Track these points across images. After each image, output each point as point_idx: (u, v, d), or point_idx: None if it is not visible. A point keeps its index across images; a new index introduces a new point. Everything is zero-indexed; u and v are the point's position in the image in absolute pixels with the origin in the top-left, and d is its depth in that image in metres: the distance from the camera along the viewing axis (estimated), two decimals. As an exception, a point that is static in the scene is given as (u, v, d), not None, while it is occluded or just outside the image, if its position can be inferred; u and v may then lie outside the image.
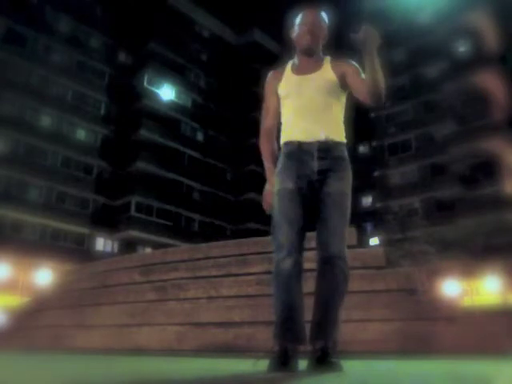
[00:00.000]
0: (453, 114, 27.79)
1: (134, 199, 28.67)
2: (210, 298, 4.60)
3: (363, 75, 2.22)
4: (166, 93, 32.27)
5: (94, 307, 5.55)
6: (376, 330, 3.82)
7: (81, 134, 28.79)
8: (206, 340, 4.19)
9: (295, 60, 2.36)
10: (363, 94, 2.21)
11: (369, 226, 33.13)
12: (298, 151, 2.19)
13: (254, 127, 37.94)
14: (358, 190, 36.91)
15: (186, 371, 2.20)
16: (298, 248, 2.15)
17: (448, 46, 28.50)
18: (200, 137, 34.20)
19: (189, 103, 34.02)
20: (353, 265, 4.45)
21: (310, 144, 2.18)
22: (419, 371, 2.24)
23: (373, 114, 32.66)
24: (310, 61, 2.30)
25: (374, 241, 30.96)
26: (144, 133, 30.26)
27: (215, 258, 5.16)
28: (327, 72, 2.26)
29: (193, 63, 34.80)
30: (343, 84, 2.27)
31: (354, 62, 2.31)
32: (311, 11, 2.33)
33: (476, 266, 21.31)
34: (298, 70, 2.30)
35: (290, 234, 2.13)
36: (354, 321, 3.93)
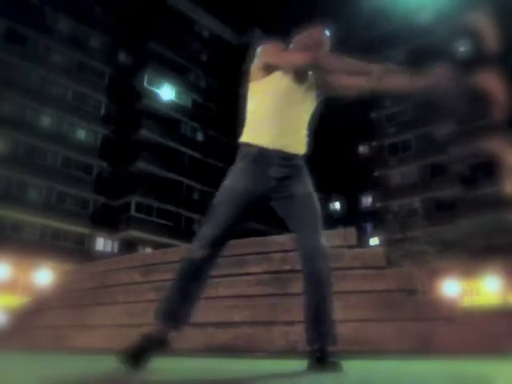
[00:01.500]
0: (453, 114, 27.78)
1: (134, 199, 28.66)
2: (209, 298, 4.60)
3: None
4: (166, 93, 32.27)
5: (93, 307, 5.54)
6: (376, 330, 3.82)
7: (81, 134, 28.78)
8: (206, 340, 4.18)
9: None
10: (362, 77, 2.19)
11: (369, 226, 33.14)
12: (258, 156, 2.13)
13: (254, 127, 37.87)
14: (358, 190, 36.96)
15: (186, 371, 2.20)
16: (216, 247, 2.13)
17: (448, 45, 28.49)
18: (200, 137, 34.20)
19: (189, 103, 34.02)
20: (353, 265, 4.48)
21: (272, 152, 2.13)
22: (419, 371, 2.24)
23: (373, 114, 32.68)
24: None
25: (374, 241, 30.96)
26: (144, 133, 30.26)
27: (215, 257, 5.14)
28: (312, 82, 2.26)
29: (193, 63, 34.79)
30: (322, 89, 2.27)
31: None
32: (317, 27, 2.30)
33: (476, 266, 21.31)
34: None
35: (214, 231, 2.12)
36: (353, 321, 3.93)
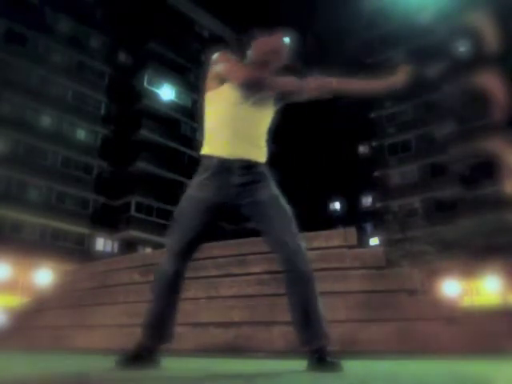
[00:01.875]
0: (453, 114, 27.79)
1: (134, 199, 28.67)
2: (209, 298, 4.60)
3: (303, 79, 2.25)
4: (166, 93, 32.28)
5: (93, 307, 5.54)
6: (376, 330, 3.82)
7: (81, 134, 28.78)
8: (206, 340, 4.19)
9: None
10: (319, 88, 2.22)
11: (369, 226, 33.14)
12: (219, 167, 2.14)
13: (254, 127, 37.89)
14: (358, 190, 36.97)
15: (186, 371, 2.20)
16: (184, 257, 2.17)
17: (448, 46, 28.50)
18: (200, 137, 34.23)
19: (189, 103, 34.03)
20: (353, 265, 4.49)
21: (231, 161, 2.14)
22: (419, 371, 2.24)
23: (373, 114, 32.68)
24: None
25: (374, 241, 30.97)
26: (144, 133, 30.27)
27: (215, 258, 5.15)
28: (267, 93, 2.23)
29: (193, 63, 34.81)
30: (283, 98, 2.25)
31: (291, 77, 2.30)
32: (276, 35, 2.25)
33: (476, 266, 21.31)
34: None
35: (180, 241, 2.16)
36: (353, 321, 3.93)
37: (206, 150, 2.22)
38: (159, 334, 2.19)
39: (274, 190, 2.19)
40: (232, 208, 2.18)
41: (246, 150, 2.16)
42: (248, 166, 2.15)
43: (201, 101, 2.31)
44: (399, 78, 2.11)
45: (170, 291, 2.18)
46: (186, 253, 2.18)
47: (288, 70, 2.29)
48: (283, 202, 2.18)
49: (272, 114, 2.30)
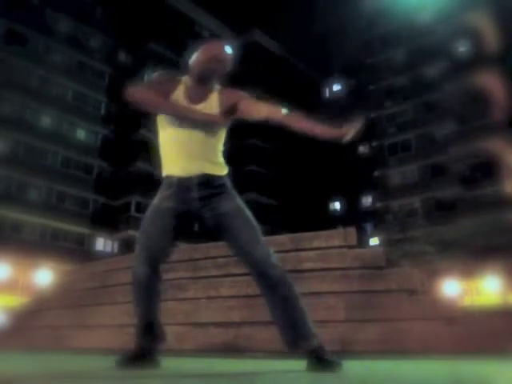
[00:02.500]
0: (453, 114, 27.79)
1: (134, 199, 28.66)
2: (209, 298, 4.60)
3: (256, 101, 2.24)
4: (166, 93, 32.26)
5: (93, 307, 5.54)
6: (376, 330, 3.82)
7: (81, 134, 28.78)
8: (206, 340, 4.19)
9: (188, 82, 2.27)
10: (268, 116, 2.20)
11: (369, 226, 33.14)
12: (179, 184, 2.20)
13: (254, 127, 37.91)
14: (358, 190, 36.97)
15: (186, 371, 2.20)
16: (152, 261, 2.20)
17: (448, 45, 28.51)
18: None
19: (189, 103, 34.02)
20: (353, 265, 4.48)
21: (188, 179, 2.19)
22: (419, 371, 2.24)
23: (373, 114, 32.68)
24: (200, 89, 2.23)
25: (374, 241, 30.96)
26: (144, 133, 30.27)
27: (215, 258, 5.15)
28: (211, 106, 2.22)
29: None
30: (231, 113, 2.24)
31: (243, 92, 2.29)
32: (216, 43, 2.26)
33: (476, 266, 21.31)
34: (188, 96, 2.22)
35: (146, 247, 2.21)
36: (354, 321, 3.93)
37: (164, 171, 2.29)
38: (150, 335, 2.24)
39: (237, 201, 2.22)
40: (197, 217, 2.23)
41: (201, 167, 2.19)
42: (205, 182, 2.19)
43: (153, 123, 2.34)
44: (348, 131, 2.11)
45: (146, 293, 2.23)
46: (156, 258, 2.22)
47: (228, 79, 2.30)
48: (247, 212, 2.21)
49: (223, 130, 2.30)
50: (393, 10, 31.37)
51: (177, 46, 33.51)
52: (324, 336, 4.00)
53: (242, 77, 37.76)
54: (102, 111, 30.04)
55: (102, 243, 28.36)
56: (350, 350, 3.61)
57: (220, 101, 2.23)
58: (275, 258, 2.14)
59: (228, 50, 2.25)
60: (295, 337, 2.09)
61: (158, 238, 2.20)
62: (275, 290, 2.12)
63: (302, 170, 38.87)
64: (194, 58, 2.25)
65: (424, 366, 2.55)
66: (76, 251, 25.58)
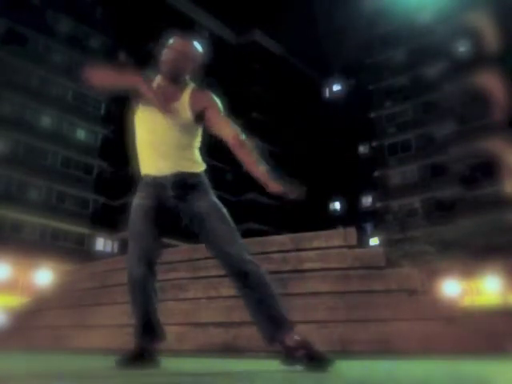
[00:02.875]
0: (453, 114, 27.79)
1: (134, 199, 28.65)
2: (209, 298, 4.60)
3: (221, 111, 2.27)
4: (166, 93, 32.27)
5: (93, 307, 5.54)
6: (376, 330, 3.82)
7: (81, 134, 28.78)
8: (206, 340, 4.18)
9: (159, 80, 2.30)
10: (223, 136, 2.22)
11: (369, 226, 33.15)
12: (154, 183, 2.25)
13: (254, 127, 37.92)
14: (358, 190, 36.98)
15: (186, 371, 2.20)
16: (146, 260, 2.23)
17: (448, 45, 28.50)
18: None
19: (189, 103, 34.03)
20: (353, 265, 4.49)
21: (163, 178, 2.22)
22: (419, 371, 2.24)
23: (373, 114, 32.69)
24: (171, 87, 2.25)
25: (374, 241, 30.96)
26: (144, 133, 30.29)
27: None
28: (183, 107, 2.22)
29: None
30: (200, 118, 2.25)
31: (215, 99, 2.29)
32: (183, 40, 2.26)
33: (476, 266, 21.31)
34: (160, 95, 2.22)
35: (138, 247, 2.25)
36: (353, 321, 3.93)
37: (141, 171, 2.33)
38: (148, 335, 2.24)
39: (211, 199, 2.24)
40: (174, 215, 2.25)
41: (175, 166, 2.21)
42: (179, 180, 2.21)
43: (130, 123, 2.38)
44: (285, 191, 2.18)
45: (143, 293, 2.23)
46: (149, 257, 2.25)
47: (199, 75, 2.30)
48: (223, 211, 2.22)
49: (198, 128, 2.30)
50: (393, 10, 31.35)
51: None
52: (324, 336, 4.01)
53: (241, 76, 37.75)
54: (102, 111, 30.03)
55: (102, 243, 28.35)
56: (349, 350, 3.61)
57: (191, 102, 2.23)
58: (249, 257, 2.15)
59: (196, 46, 2.27)
60: (274, 332, 2.08)
61: (145, 236, 2.24)
62: (252, 287, 2.11)
63: (302, 169, 38.87)
64: (162, 55, 2.27)
65: (424, 366, 2.55)
66: (76, 251, 25.58)
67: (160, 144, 2.21)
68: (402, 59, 31.36)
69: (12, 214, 23.98)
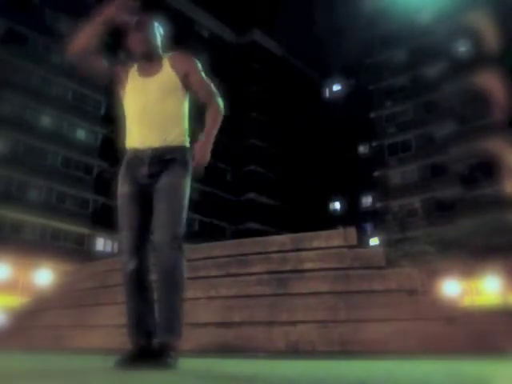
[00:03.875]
0: (453, 114, 27.80)
1: (134, 199, 28.66)
2: (209, 297, 4.60)
3: (203, 75, 2.32)
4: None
5: (93, 307, 5.55)
6: (376, 330, 3.82)
7: (81, 134, 28.79)
8: (206, 340, 4.18)
9: (137, 64, 2.36)
10: (203, 99, 2.32)
11: (369, 226, 33.15)
12: (133, 158, 2.26)
13: (254, 127, 37.93)
14: (358, 190, 36.98)
15: (186, 371, 2.20)
16: (139, 251, 2.22)
17: (448, 45, 28.50)
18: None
19: (189, 103, 34.02)
20: (353, 265, 4.49)
21: (143, 151, 2.23)
22: (419, 371, 2.24)
23: (373, 114, 32.69)
24: (151, 63, 2.30)
25: (373, 241, 30.97)
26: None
27: (215, 258, 5.15)
28: (167, 74, 2.28)
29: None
30: (185, 83, 2.30)
31: (196, 63, 2.33)
32: (143, 20, 2.34)
33: (476, 266, 21.31)
34: (142, 73, 2.31)
35: (130, 237, 2.22)
36: (354, 321, 3.93)
37: (126, 144, 2.33)
38: (144, 333, 2.23)
39: (174, 177, 2.23)
40: (149, 193, 2.25)
41: (156, 137, 2.23)
42: (158, 155, 2.22)
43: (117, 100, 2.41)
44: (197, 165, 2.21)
45: (138, 290, 2.22)
46: (140, 247, 2.23)
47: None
48: (175, 190, 2.21)
49: (185, 100, 2.34)
50: (393, 10, 31.36)
51: (177, 45, 33.54)
52: (324, 336, 4.01)
53: (241, 76, 37.72)
54: (102, 111, 30.03)
55: (102, 243, 28.36)
56: (349, 350, 3.61)
57: (173, 65, 2.29)
58: (174, 253, 2.14)
59: (153, 28, 2.37)
60: (158, 330, 2.15)
61: (132, 225, 2.22)
62: (165, 277, 2.14)
63: (302, 169, 38.87)
64: (128, 40, 2.33)
65: (424, 366, 2.55)
66: (76, 251, 25.58)
67: (147, 112, 2.24)
68: (401, 59, 31.36)
69: (12, 214, 23.98)
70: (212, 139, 2.29)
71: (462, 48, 28.46)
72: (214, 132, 2.32)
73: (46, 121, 27.08)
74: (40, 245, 24.55)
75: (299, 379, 1.76)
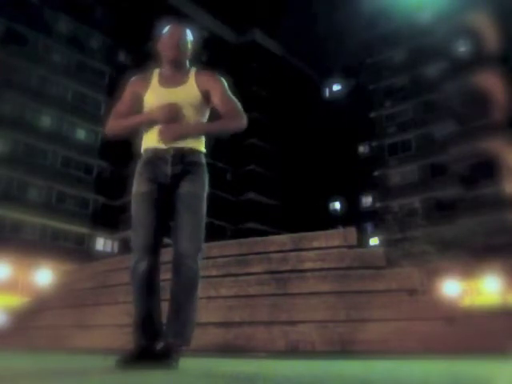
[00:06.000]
0: (453, 114, 27.80)
1: (134, 199, 28.66)
2: (209, 298, 4.60)
3: (228, 93, 2.33)
4: (166, 93, 32.28)
5: (94, 307, 5.55)
6: (376, 330, 3.82)
7: (81, 134, 28.79)
8: (206, 340, 4.18)
9: (162, 70, 2.39)
10: (227, 117, 2.29)
11: (369, 226, 33.13)
12: (154, 157, 2.25)
13: (254, 127, 37.90)
14: (358, 190, 36.97)
15: (186, 371, 2.20)
16: (153, 251, 2.23)
17: (448, 45, 28.50)
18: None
19: (189, 103, 34.02)
20: (353, 265, 4.48)
21: (165, 150, 2.23)
22: (419, 371, 2.24)
23: (373, 114, 32.70)
24: (177, 73, 2.33)
25: (373, 241, 30.95)
26: (144, 133, 30.30)
27: (215, 257, 5.15)
28: (191, 87, 2.30)
29: (192, 63, 34.84)
30: (207, 99, 2.31)
31: (220, 79, 2.36)
32: (177, 26, 2.38)
33: (476, 266, 21.31)
34: (165, 83, 2.32)
35: (144, 237, 2.22)
36: (353, 321, 3.93)
37: (144, 145, 2.33)
38: (150, 333, 2.23)
39: (195, 186, 2.25)
40: (170, 194, 2.25)
41: (180, 141, 2.24)
42: (181, 155, 2.23)
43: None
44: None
45: (148, 291, 2.23)
46: (153, 247, 2.24)
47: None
48: (197, 202, 2.24)
49: (206, 112, 2.36)
50: (393, 10, 31.36)
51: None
52: (324, 336, 4.01)
53: (241, 76, 37.75)
54: (102, 111, 30.02)
55: (101, 243, 28.36)
56: (349, 350, 3.61)
57: (197, 83, 2.30)
58: (196, 261, 2.18)
59: (188, 33, 2.38)
60: (169, 332, 2.17)
61: (149, 225, 2.21)
62: (181, 287, 2.17)
63: (302, 169, 38.86)
64: (160, 45, 2.38)
65: (424, 366, 2.55)
66: (76, 251, 25.58)
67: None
68: (401, 59, 31.36)
69: (12, 214, 23.99)
70: (201, 131, 2.30)
71: (462, 48, 28.46)
72: (213, 130, 2.33)
73: (45, 121, 27.08)
74: (40, 245, 24.55)
75: (299, 379, 1.76)
